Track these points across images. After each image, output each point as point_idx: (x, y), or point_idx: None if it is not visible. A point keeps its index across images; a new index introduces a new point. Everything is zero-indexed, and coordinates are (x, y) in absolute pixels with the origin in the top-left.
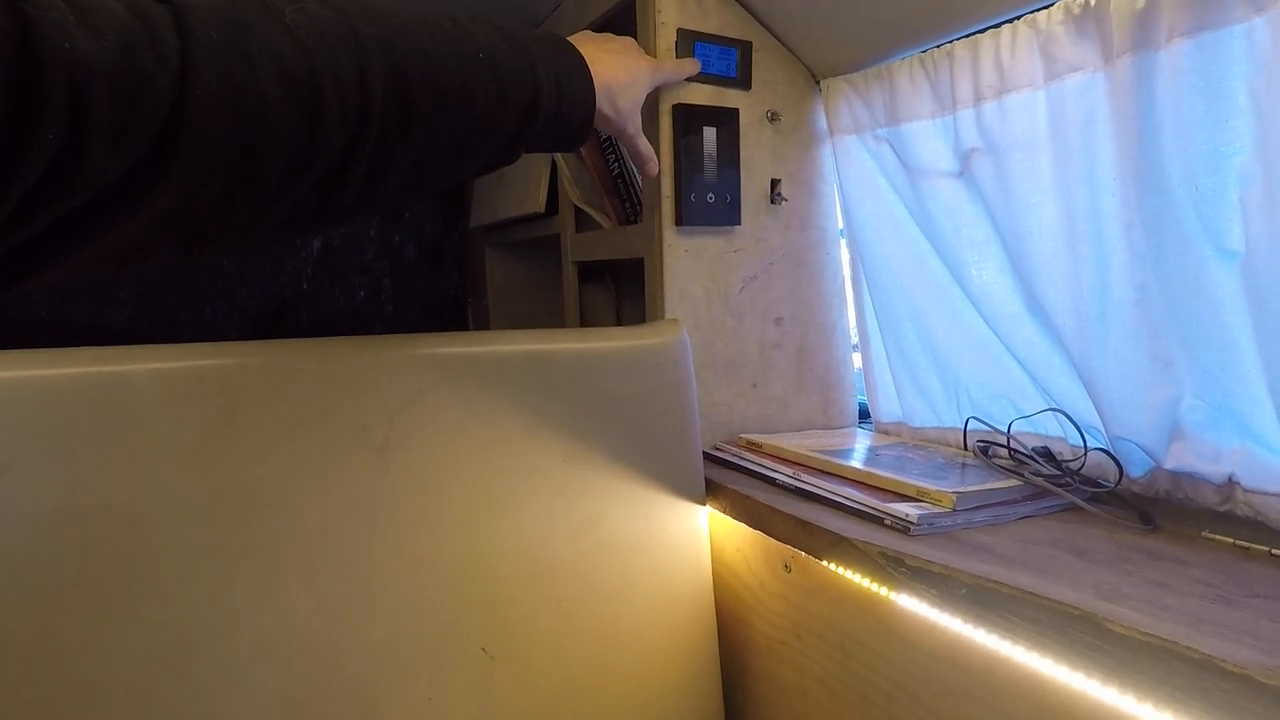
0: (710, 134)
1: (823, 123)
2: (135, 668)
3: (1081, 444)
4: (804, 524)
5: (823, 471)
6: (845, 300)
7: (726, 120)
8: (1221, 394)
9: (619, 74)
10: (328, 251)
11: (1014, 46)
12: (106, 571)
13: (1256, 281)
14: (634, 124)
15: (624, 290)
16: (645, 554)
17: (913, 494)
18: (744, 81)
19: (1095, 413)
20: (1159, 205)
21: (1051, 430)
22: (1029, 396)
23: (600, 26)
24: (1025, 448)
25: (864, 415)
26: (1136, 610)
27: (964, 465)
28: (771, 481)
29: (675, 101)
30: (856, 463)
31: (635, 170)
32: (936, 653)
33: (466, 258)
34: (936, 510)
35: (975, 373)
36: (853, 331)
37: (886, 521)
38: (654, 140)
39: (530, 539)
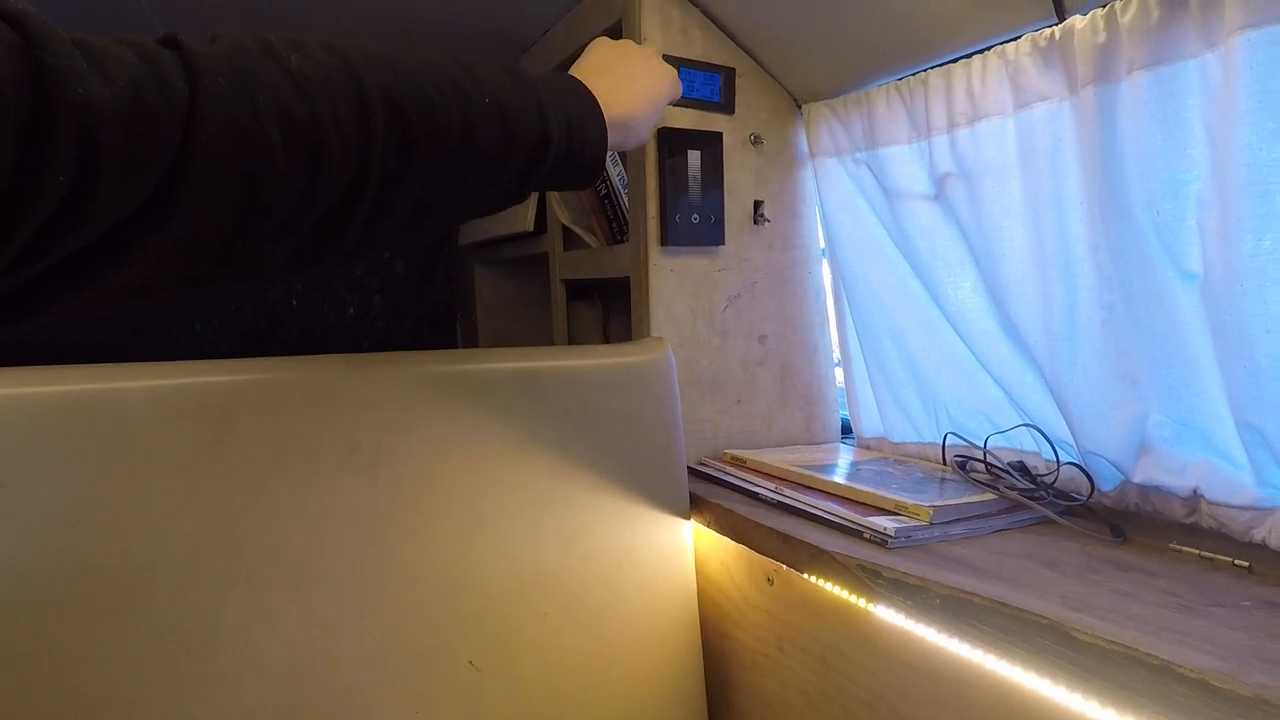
0: (695, 157)
1: (804, 146)
2: (127, 680)
3: (1055, 458)
4: (785, 538)
5: (805, 486)
6: (827, 318)
7: (710, 143)
8: (1185, 410)
9: (633, 109)
10: None
11: (985, 76)
12: (99, 586)
13: (1214, 302)
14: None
15: (611, 308)
16: (631, 568)
17: (891, 508)
18: (727, 106)
19: (1067, 428)
20: (1123, 229)
21: (1027, 445)
22: (1005, 412)
23: None
24: (1001, 462)
25: (846, 430)
26: (1102, 619)
27: (943, 480)
28: (755, 496)
29: (661, 125)
30: (838, 477)
31: (622, 191)
32: (913, 663)
33: (456, 274)
34: (914, 524)
35: (953, 389)
36: (835, 349)
37: (865, 535)
38: (640, 163)
39: (517, 553)
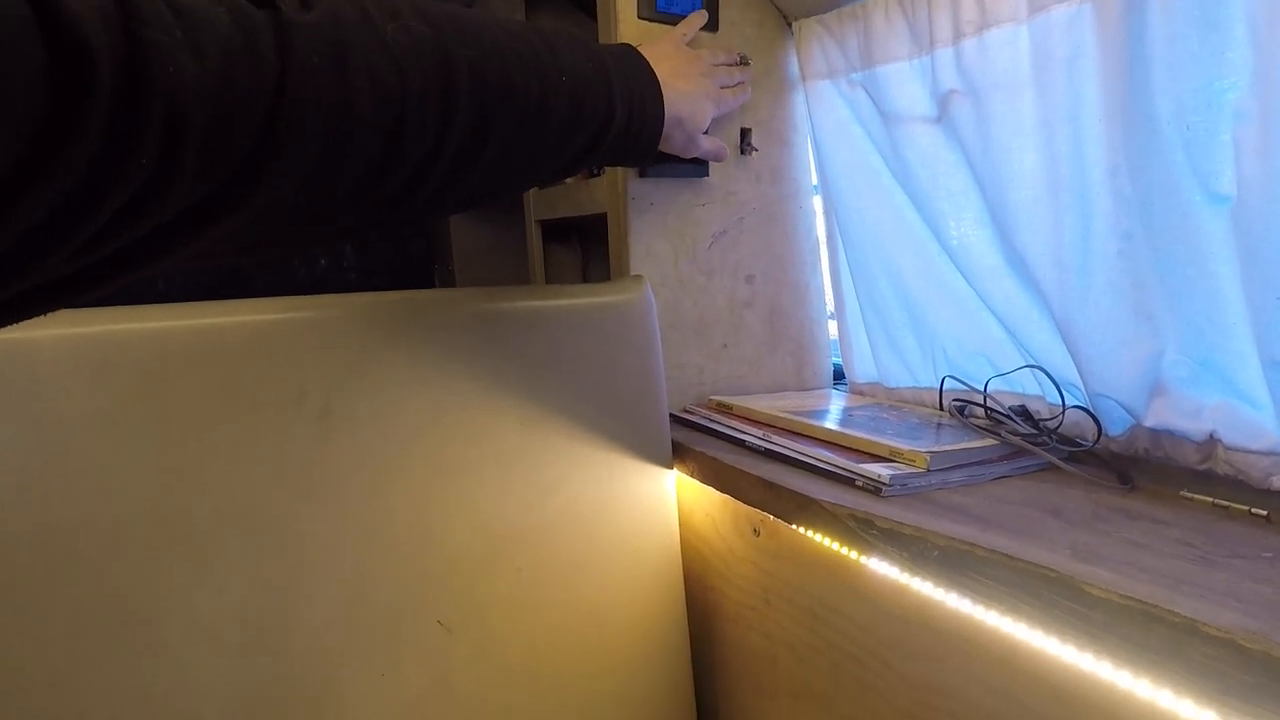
0: None
1: (795, 68)
2: (58, 655)
3: (1060, 402)
4: (772, 486)
5: (794, 433)
6: (819, 257)
7: None
8: (1205, 348)
9: (687, 107)
10: None
11: None
12: (18, 555)
13: (1247, 227)
14: (696, 148)
15: (591, 253)
16: (609, 520)
17: (885, 454)
18: (711, 24)
19: (1075, 369)
20: (1147, 147)
21: (1030, 388)
22: (1007, 354)
23: None
24: (1002, 407)
25: (839, 376)
26: (1115, 572)
27: (939, 425)
28: (741, 444)
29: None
30: (829, 423)
31: None
32: (908, 617)
33: (433, 223)
34: (910, 470)
35: (952, 330)
36: (827, 289)
37: (858, 482)
38: None
39: (485, 507)
